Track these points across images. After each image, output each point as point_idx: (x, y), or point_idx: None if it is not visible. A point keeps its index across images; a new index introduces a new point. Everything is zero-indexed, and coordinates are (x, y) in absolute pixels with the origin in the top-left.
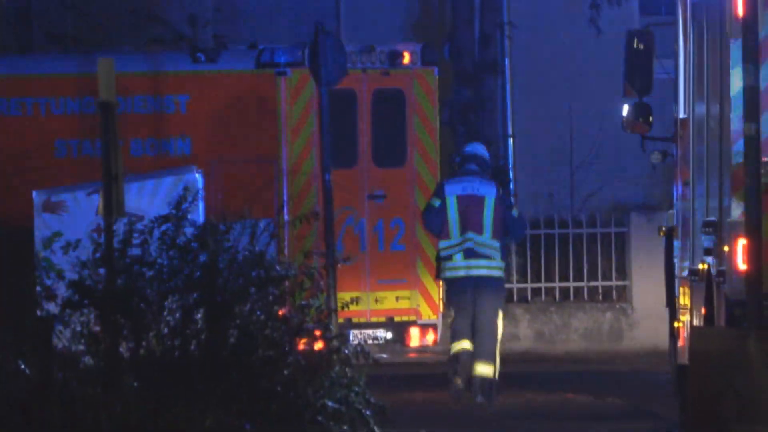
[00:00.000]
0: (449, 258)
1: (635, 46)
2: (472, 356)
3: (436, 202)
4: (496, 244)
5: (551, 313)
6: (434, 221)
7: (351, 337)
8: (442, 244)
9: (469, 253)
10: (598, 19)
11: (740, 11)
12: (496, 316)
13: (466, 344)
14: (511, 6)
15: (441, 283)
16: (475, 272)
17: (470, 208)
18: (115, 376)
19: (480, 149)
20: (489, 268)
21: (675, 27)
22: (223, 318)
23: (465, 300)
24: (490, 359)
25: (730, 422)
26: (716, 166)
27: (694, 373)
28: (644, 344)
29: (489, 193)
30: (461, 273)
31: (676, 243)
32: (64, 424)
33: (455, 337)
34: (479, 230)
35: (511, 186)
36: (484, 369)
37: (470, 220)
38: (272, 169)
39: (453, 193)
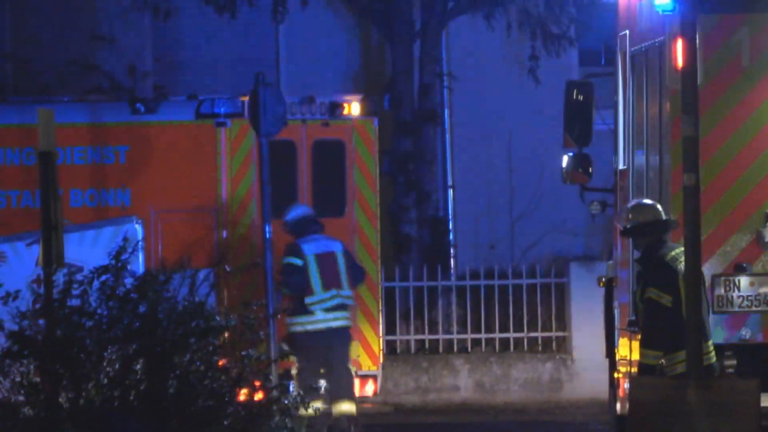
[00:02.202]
0: (310, 313)
1: (574, 96)
2: (333, 397)
3: (298, 261)
4: (351, 293)
5: (491, 363)
6: (298, 280)
7: (291, 388)
8: (307, 300)
9: (336, 307)
10: (537, 69)
11: (679, 62)
12: (349, 360)
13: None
14: (451, 57)
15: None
16: (334, 324)
17: (328, 265)
18: (55, 426)
19: (309, 210)
20: (346, 318)
21: (614, 78)
22: (162, 368)
23: (318, 351)
24: (353, 398)
25: None
26: None
27: (634, 423)
28: (584, 395)
29: (337, 248)
30: (320, 326)
31: (616, 293)
32: None
33: (313, 395)
34: (339, 285)
35: (450, 236)
36: (348, 407)
37: (330, 277)
38: (212, 219)
39: (311, 251)
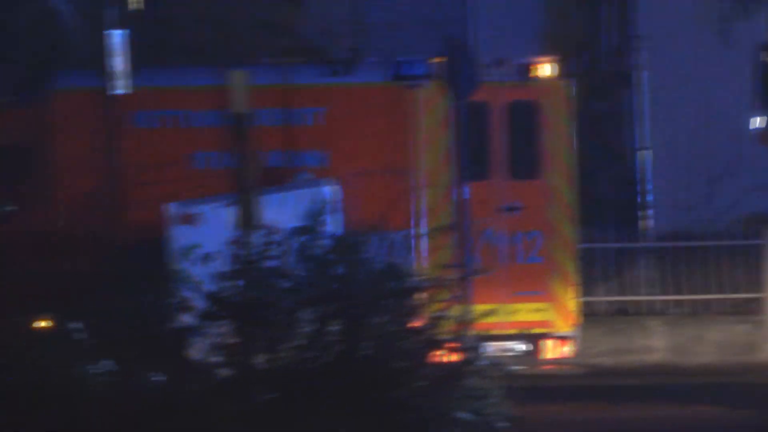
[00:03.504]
0: None
1: (763, 59)
2: None
3: None
4: None
5: (685, 325)
6: None
7: (485, 349)
8: None
9: None
10: (729, 30)
11: None
12: None
13: None
14: (641, 18)
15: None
16: None
17: None
18: (250, 388)
19: None
20: None
21: None
22: (357, 329)
23: None
24: None
25: None
26: None
27: None
28: None
29: None
30: None
31: None
32: None
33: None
34: None
35: (650, 198)
36: None
37: None
38: (408, 181)
39: None
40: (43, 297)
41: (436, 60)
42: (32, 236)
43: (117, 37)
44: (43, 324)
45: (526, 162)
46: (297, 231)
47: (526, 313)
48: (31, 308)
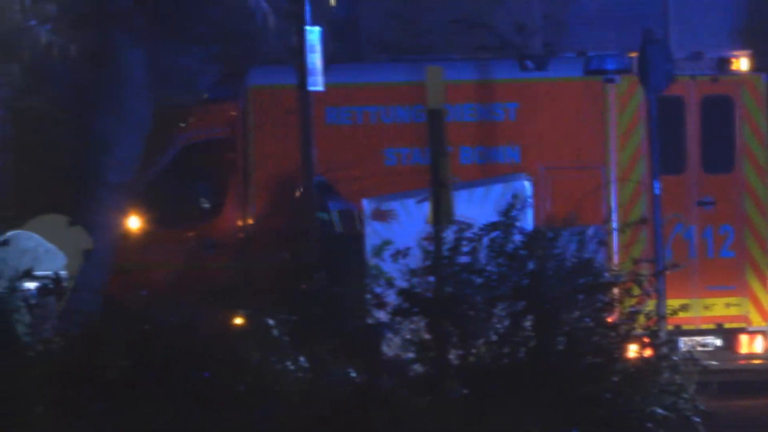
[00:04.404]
0: None
1: None
2: None
3: None
4: None
5: None
6: None
7: (680, 344)
8: None
9: None
10: None
11: None
12: None
13: None
14: None
15: None
16: None
17: None
18: (444, 383)
19: None
20: None
21: None
22: (551, 324)
23: None
24: None
25: None
26: None
27: None
28: None
29: None
30: None
31: None
32: (387, 428)
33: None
34: None
35: None
36: None
37: None
38: (600, 176)
39: None
40: (240, 292)
41: (630, 54)
42: (231, 232)
43: (313, 33)
44: (239, 319)
45: (718, 156)
46: (489, 226)
47: (720, 307)
48: (228, 303)
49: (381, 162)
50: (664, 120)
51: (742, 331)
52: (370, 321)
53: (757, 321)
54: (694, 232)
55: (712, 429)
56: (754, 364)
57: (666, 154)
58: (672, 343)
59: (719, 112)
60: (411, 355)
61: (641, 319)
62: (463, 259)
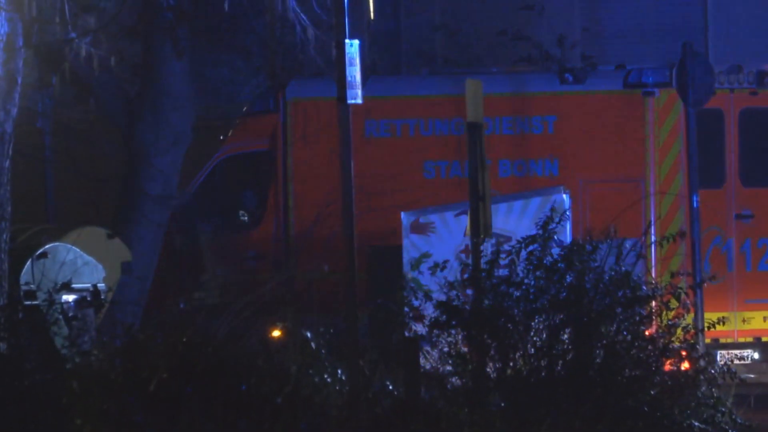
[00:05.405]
0: None
1: None
2: None
3: None
4: None
5: None
6: None
7: (718, 357)
8: None
9: None
10: None
11: None
12: None
13: None
14: None
15: None
16: None
17: None
18: (482, 396)
19: None
20: None
21: None
22: (589, 337)
23: None
24: None
25: None
26: None
27: None
28: None
29: None
30: None
31: None
32: None
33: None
34: None
35: None
36: None
37: None
38: (639, 189)
39: None
40: (279, 304)
41: (670, 67)
42: (269, 244)
43: (353, 47)
44: (278, 331)
45: (757, 169)
46: (528, 239)
47: (758, 321)
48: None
49: (420, 175)
50: (703, 133)
51: None
52: (408, 334)
53: None
54: (732, 246)
55: None
56: None
57: (704, 167)
58: (710, 356)
59: (758, 126)
60: (449, 367)
61: (679, 332)
62: (502, 272)
